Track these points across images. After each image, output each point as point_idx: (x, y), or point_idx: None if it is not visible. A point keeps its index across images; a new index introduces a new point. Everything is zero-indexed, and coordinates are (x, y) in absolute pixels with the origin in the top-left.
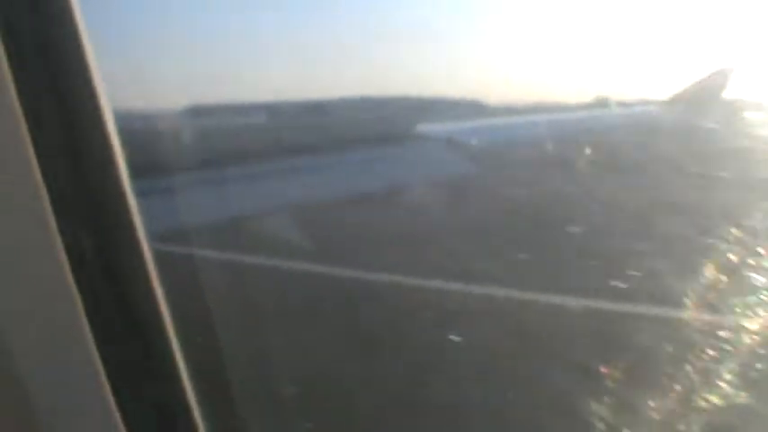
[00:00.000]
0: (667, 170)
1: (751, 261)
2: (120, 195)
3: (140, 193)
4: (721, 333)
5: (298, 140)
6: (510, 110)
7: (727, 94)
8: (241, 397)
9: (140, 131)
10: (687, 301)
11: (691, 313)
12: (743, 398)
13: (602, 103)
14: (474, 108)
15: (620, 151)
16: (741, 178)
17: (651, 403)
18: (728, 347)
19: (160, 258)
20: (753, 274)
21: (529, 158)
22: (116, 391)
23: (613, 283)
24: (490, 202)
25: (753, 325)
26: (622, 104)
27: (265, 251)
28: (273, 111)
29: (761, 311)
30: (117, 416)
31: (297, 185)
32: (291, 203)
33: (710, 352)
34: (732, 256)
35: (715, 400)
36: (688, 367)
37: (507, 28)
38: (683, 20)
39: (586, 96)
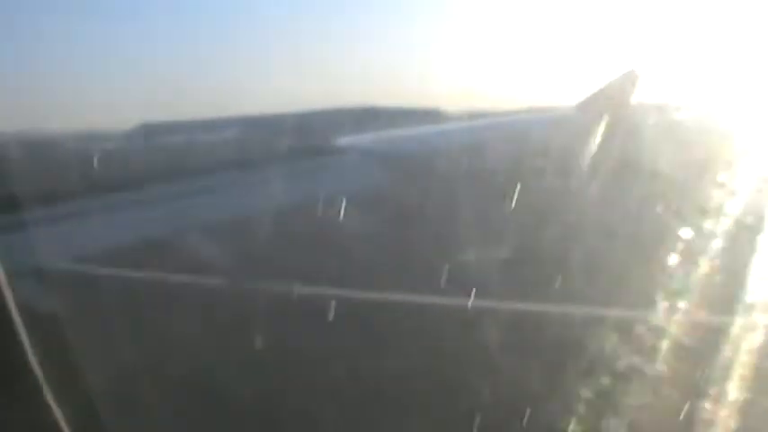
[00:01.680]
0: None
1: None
2: None
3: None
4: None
5: (211, 158)
6: (424, 118)
7: (635, 97)
8: None
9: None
10: None
11: None
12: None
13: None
14: (388, 119)
15: (531, 156)
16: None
17: None
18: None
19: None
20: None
21: (439, 167)
22: None
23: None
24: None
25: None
26: (533, 110)
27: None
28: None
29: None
30: None
31: (209, 203)
32: (202, 221)
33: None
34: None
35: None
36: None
37: (421, 37)
38: (588, 24)
39: (501, 103)
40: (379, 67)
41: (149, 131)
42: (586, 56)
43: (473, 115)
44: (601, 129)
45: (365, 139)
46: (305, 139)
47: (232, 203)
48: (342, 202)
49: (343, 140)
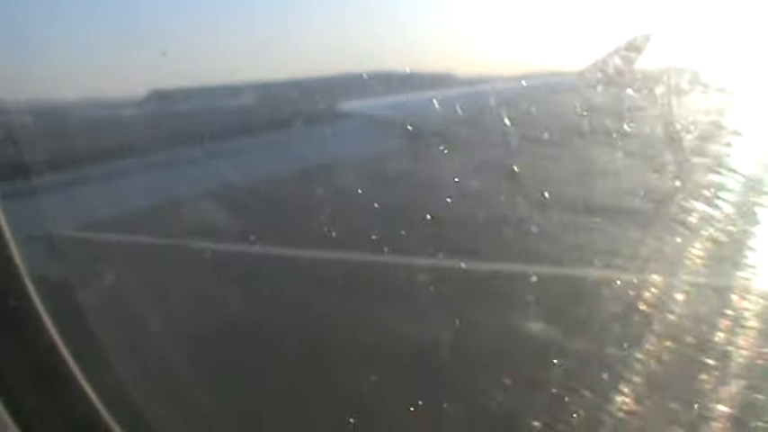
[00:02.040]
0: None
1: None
2: None
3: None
4: None
5: (214, 125)
6: (428, 84)
7: (642, 63)
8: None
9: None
10: None
11: None
12: None
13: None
14: (394, 83)
15: (536, 121)
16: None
17: None
18: None
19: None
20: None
21: (446, 130)
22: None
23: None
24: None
25: None
26: (536, 76)
27: (190, 234)
28: (188, 96)
29: None
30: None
31: (217, 169)
32: (212, 187)
33: None
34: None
35: None
36: None
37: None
38: None
39: (503, 69)
40: (394, 33)
41: (161, 98)
42: (593, 21)
43: (483, 80)
44: (606, 94)
45: (376, 103)
46: (319, 104)
47: (230, 171)
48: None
49: (352, 105)
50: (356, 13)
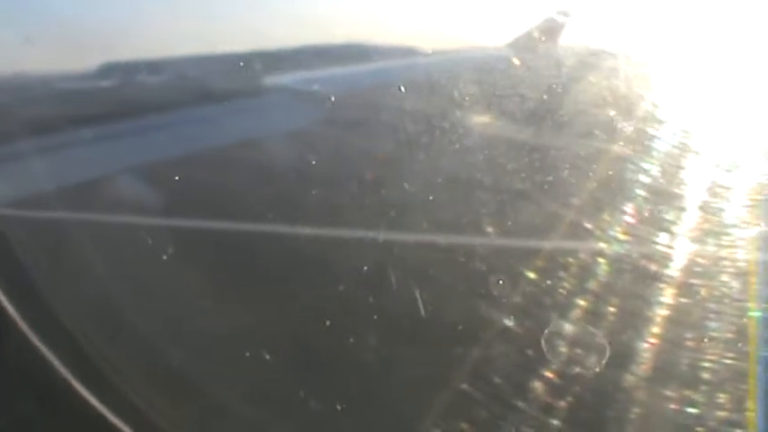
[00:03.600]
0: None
1: None
2: None
3: None
4: None
5: (136, 99)
6: (358, 57)
7: (563, 39)
8: None
9: None
10: None
11: None
12: None
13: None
14: (318, 57)
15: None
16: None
17: None
18: None
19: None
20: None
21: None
22: None
23: None
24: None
25: None
26: (463, 50)
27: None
28: (109, 71)
29: None
30: None
31: (141, 145)
32: (136, 163)
33: None
34: None
35: None
36: None
37: None
38: None
39: (424, 42)
40: (365, 8)
41: (110, 71)
42: None
43: (406, 53)
44: (528, 66)
45: (291, 78)
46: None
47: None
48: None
49: (269, 80)
50: None
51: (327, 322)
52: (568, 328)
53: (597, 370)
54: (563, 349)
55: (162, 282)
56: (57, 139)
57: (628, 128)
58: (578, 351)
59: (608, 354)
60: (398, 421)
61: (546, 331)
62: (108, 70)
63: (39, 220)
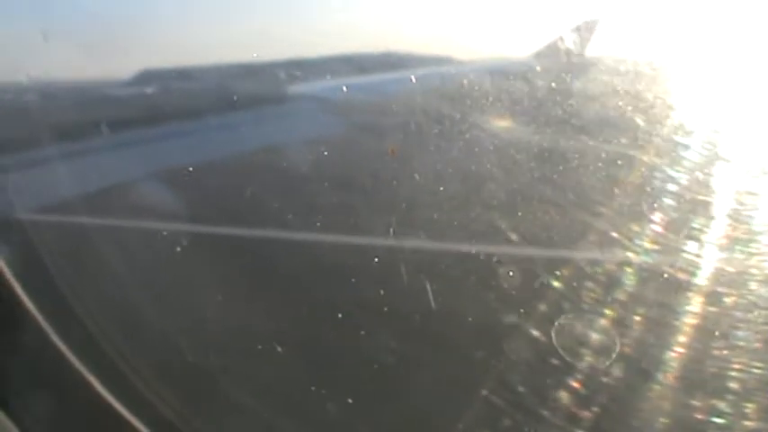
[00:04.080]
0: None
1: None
2: None
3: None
4: None
5: (167, 107)
6: (381, 66)
7: (590, 50)
8: None
9: None
10: None
11: None
12: None
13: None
14: (345, 65)
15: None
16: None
17: None
18: None
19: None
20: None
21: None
22: None
23: None
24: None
25: None
26: (490, 59)
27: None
28: (141, 79)
29: None
30: None
31: (168, 151)
32: (164, 169)
33: None
34: None
35: None
36: None
37: None
38: None
39: (451, 51)
40: (401, 15)
41: (149, 78)
42: (543, 6)
43: (434, 62)
44: (555, 78)
45: (316, 86)
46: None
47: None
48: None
49: (294, 89)
50: None
51: (362, 332)
52: (593, 335)
53: (623, 378)
54: (586, 357)
55: (186, 284)
56: (90, 143)
57: (655, 135)
58: (604, 361)
59: (629, 361)
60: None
61: (568, 336)
62: (142, 77)
63: (63, 225)
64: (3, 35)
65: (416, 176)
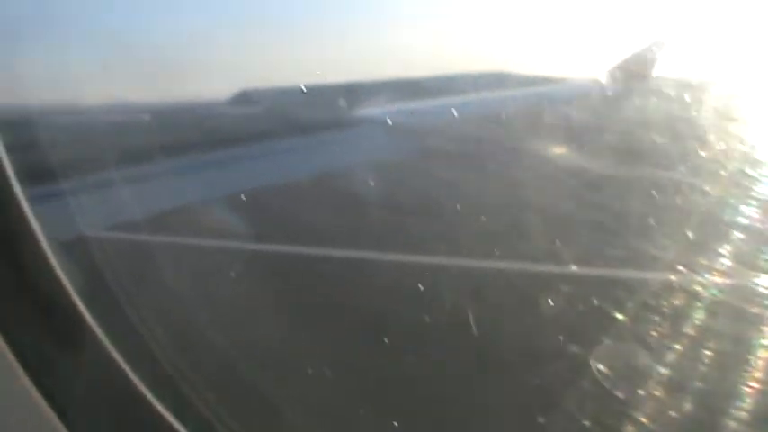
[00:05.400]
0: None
1: None
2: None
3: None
4: None
5: (228, 131)
6: (447, 89)
7: (658, 69)
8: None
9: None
10: None
11: None
12: None
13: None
14: (412, 89)
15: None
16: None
17: None
18: None
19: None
20: None
21: (466, 137)
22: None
23: None
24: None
25: None
26: (554, 81)
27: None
28: (201, 103)
29: None
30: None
31: (232, 175)
32: (230, 193)
33: None
34: None
35: None
36: None
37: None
38: None
39: (521, 73)
40: (465, 37)
41: (211, 104)
42: (605, 27)
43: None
44: (623, 100)
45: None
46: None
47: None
48: None
49: (361, 112)
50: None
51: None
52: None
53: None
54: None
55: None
56: (154, 167)
57: (723, 164)
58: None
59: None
60: None
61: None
62: (204, 103)
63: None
64: (81, 59)
65: (476, 201)
